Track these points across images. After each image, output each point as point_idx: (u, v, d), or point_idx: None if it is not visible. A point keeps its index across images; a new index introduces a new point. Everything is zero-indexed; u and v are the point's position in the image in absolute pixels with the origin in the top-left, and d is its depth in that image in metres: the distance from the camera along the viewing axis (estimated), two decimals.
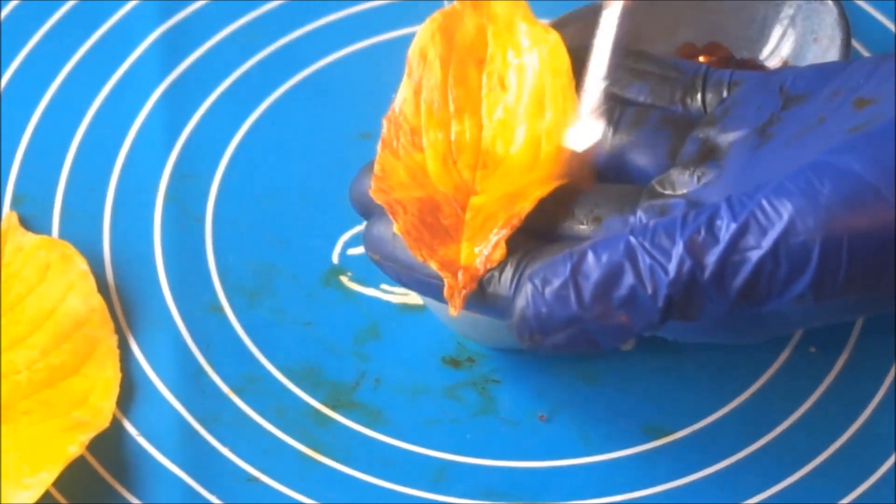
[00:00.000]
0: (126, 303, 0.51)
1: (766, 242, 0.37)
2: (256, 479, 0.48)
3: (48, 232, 0.52)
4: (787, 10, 0.53)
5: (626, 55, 0.45)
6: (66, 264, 0.51)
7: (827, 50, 0.52)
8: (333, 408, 0.49)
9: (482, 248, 0.42)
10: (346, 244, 0.53)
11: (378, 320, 0.51)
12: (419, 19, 0.57)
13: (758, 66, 0.54)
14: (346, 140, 0.55)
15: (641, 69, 0.45)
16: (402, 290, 0.52)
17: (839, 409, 0.49)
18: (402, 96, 0.45)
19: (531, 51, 0.45)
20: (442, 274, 0.42)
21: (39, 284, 0.50)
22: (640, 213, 0.42)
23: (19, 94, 0.56)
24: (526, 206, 0.42)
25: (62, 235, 0.52)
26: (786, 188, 0.38)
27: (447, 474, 0.48)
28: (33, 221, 0.53)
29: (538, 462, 0.48)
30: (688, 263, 0.38)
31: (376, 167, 0.44)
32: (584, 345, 0.40)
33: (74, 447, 0.46)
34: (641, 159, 0.44)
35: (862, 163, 0.37)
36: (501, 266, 0.41)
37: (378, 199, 0.43)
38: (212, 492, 0.48)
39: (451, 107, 0.45)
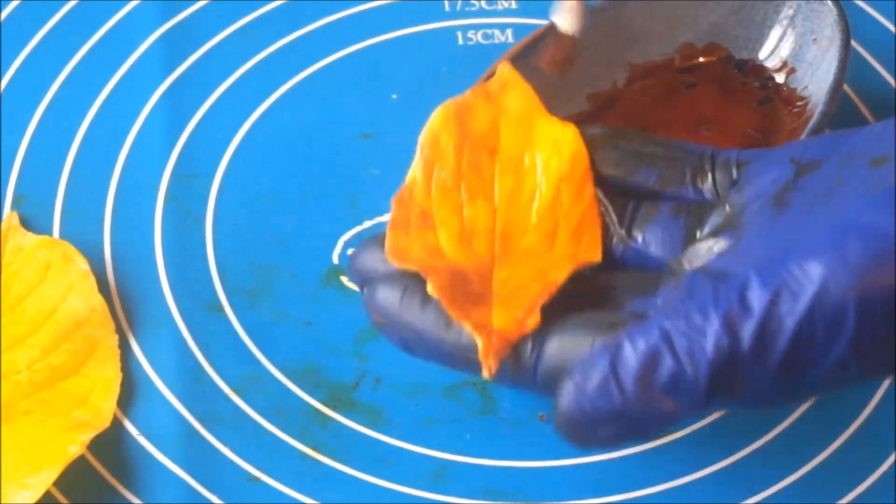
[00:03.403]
0: (126, 303, 0.51)
1: (801, 307, 0.37)
2: (257, 479, 0.48)
3: (49, 232, 0.53)
4: (787, 11, 0.53)
5: (631, 138, 0.45)
6: (67, 264, 0.51)
7: (826, 50, 0.52)
8: (333, 408, 0.49)
9: (516, 314, 0.41)
10: (346, 244, 0.53)
11: None
12: (419, 19, 0.58)
13: (757, 67, 0.54)
14: (346, 140, 0.55)
15: (647, 152, 0.45)
16: None
17: (839, 409, 0.49)
18: (413, 179, 0.45)
19: (546, 143, 0.44)
20: (476, 334, 0.41)
21: (40, 284, 0.50)
22: (665, 293, 0.41)
23: (20, 94, 0.56)
24: (561, 277, 0.42)
25: (63, 235, 0.52)
26: (814, 251, 0.37)
27: (447, 474, 0.48)
28: (34, 221, 0.53)
29: (538, 462, 0.48)
30: (725, 339, 0.38)
31: (389, 244, 0.43)
32: (634, 435, 0.39)
33: (75, 447, 0.46)
34: (659, 251, 0.43)
35: (887, 217, 0.37)
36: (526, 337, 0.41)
37: (401, 262, 0.43)
38: (212, 491, 0.48)
39: (464, 193, 0.44)
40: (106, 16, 0.58)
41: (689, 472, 0.48)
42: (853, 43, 0.52)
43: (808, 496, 0.48)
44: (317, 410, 0.49)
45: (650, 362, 0.38)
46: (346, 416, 0.49)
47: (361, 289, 0.45)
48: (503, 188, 0.44)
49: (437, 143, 0.45)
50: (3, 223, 0.52)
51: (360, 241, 0.45)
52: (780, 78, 0.54)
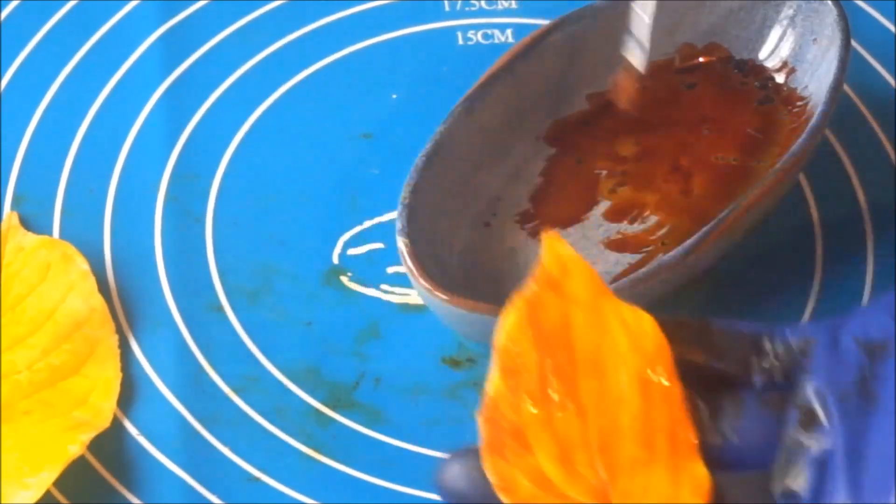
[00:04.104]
0: (126, 303, 0.51)
1: None
2: (257, 479, 0.48)
3: (49, 232, 0.53)
4: (787, 11, 0.53)
5: (693, 328, 0.43)
6: (67, 264, 0.51)
7: (826, 50, 0.52)
8: (333, 408, 0.49)
9: None
10: (346, 244, 0.53)
11: (378, 320, 0.51)
12: (419, 19, 0.58)
13: (757, 67, 0.54)
14: (346, 140, 0.55)
15: (710, 343, 0.43)
16: (402, 289, 0.52)
17: None
18: (496, 391, 0.42)
19: (622, 336, 0.42)
20: None
21: (40, 284, 0.50)
22: None
23: (20, 94, 0.56)
24: None
25: (63, 235, 0.52)
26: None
27: None
28: (34, 221, 0.53)
29: None
30: None
31: (493, 476, 0.41)
32: None
33: (75, 447, 0.46)
34: (755, 450, 0.42)
35: None
36: None
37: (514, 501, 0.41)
38: (212, 492, 0.48)
39: (553, 403, 0.42)
40: (106, 16, 0.58)
41: None
42: (853, 43, 0.52)
43: None
44: (317, 410, 0.49)
45: None
46: (346, 416, 0.49)
47: None
48: (587, 391, 0.42)
49: (515, 351, 0.42)
50: (3, 223, 0.52)
51: (450, 456, 0.42)
52: (780, 78, 0.54)
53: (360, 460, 0.48)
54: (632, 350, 0.42)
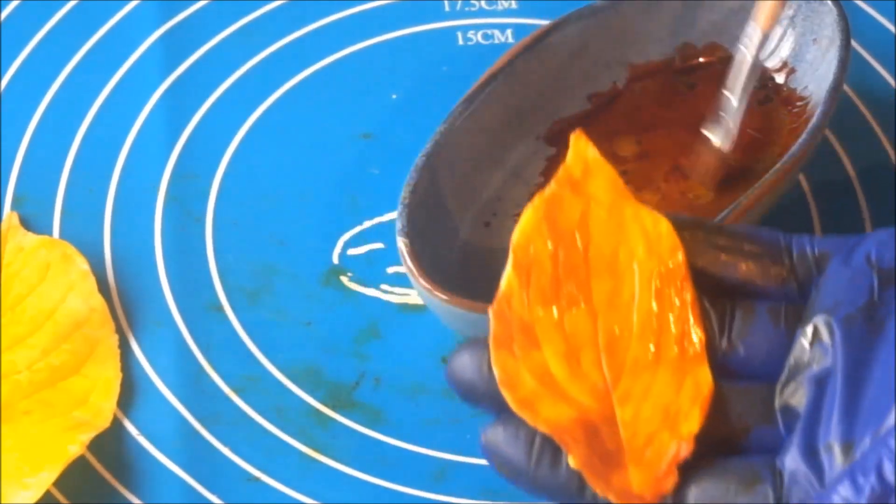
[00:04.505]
0: (126, 303, 0.51)
1: None
2: (257, 479, 0.48)
3: (49, 232, 0.53)
4: (787, 11, 0.53)
5: (709, 230, 0.43)
6: (67, 264, 0.51)
7: (826, 51, 0.52)
8: (333, 408, 0.49)
9: (654, 473, 0.40)
10: (346, 244, 0.53)
11: (378, 320, 0.51)
12: (419, 19, 0.58)
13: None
14: (346, 140, 0.55)
15: (727, 246, 0.43)
16: (402, 290, 0.52)
17: None
18: (509, 287, 0.42)
19: (639, 239, 0.43)
20: None
21: (40, 284, 0.50)
22: (789, 446, 0.40)
23: (20, 94, 0.56)
24: (693, 429, 0.41)
25: (63, 235, 0.52)
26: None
27: (447, 474, 0.48)
28: (34, 221, 0.53)
29: None
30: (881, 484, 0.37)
31: (498, 369, 0.41)
32: None
33: (75, 447, 0.46)
34: (764, 363, 0.42)
35: None
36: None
37: (527, 417, 0.41)
38: (212, 491, 0.48)
39: (563, 299, 0.42)
40: (106, 16, 0.58)
41: None
42: (853, 43, 0.52)
43: None
44: (317, 410, 0.49)
45: None
46: (346, 416, 0.49)
47: (464, 400, 0.42)
48: (600, 291, 0.42)
49: (530, 248, 0.43)
50: (3, 223, 0.52)
51: (458, 346, 0.42)
52: (780, 78, 0.54)
53: (360, 460, 0.48)
54: (647, 253, 0.42)
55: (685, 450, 0.40)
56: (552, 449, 0.41)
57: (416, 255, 0.48)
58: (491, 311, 0.42)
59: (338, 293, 0.52)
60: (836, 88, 0.50)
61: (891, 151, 0.55)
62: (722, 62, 0.54)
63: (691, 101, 0.54)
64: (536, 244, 0.43)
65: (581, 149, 0.44)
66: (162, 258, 0.52)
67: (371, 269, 0.52)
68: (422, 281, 0.47)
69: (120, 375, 0.49)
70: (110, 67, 0.56)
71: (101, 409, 0.48)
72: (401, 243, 0.48)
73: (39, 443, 0.47)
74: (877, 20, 0.58)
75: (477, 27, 0.58)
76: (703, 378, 0.41)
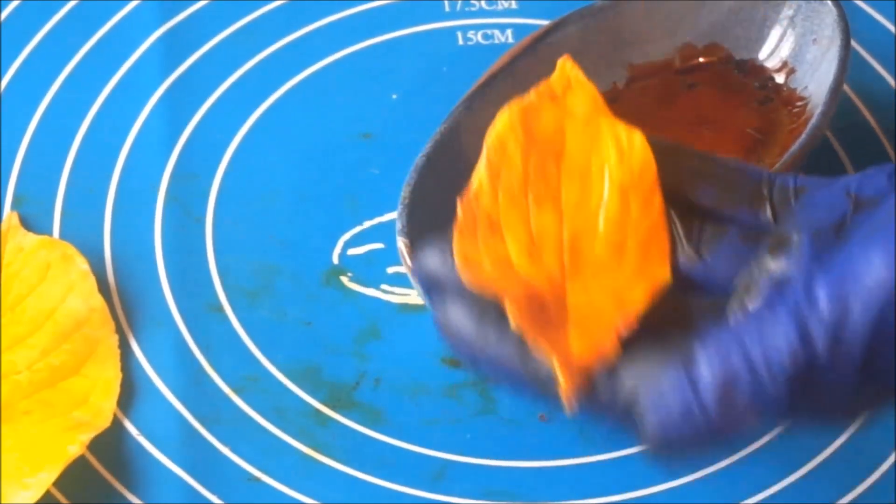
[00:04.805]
0: (126, 303, 0.51)
1: (872, 310, 0.37)
2: (257, 479, 0.48)
3: (49, 232, 0.53)
4: (787, 11, 0.53)
5: (692, 156, 0.44)
6: (67, 264, 0.51)
7: (826, 51, 0.52)
8: (333, 408, 0.49)
9: (594, 340, 0.41)
10: (346, 244, 0.53)
11: (378, 320, 0.51)
12: (419, 19, 0.58)
13: (757, 67, 0.54)
14: (346, 140, 0.55)
15: (705, 170, 0.44)
16: (402, 290, 0.52)
17: None
18: (479, 183, 0.44)
19: (612, 149, 0.44)
20: (557, 371, 0.41)
21: (40, 284, 0.50)
22: (735, 316, 0.41)
23: (20, 94, 0.56)
24: (638, 303, 0.42)
25: (63, 236, 0.52)
26: (875, 237, 0.38)
27: (447, 474, 0.48)
28: (34, 222, 0.53)
29: (538, 462, 0.48)
30: (800, 341, 0.38)
31: (458, 253, 0.43)
32: (718, 447, 0.39)
33: (75, 447, 0.46)
34: (727, 275, 0.43)
35: None
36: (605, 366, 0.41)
37: (473, 277, 0.42)
38: (212, 491, 0.48)
39: (531, 200, 0.44)
40: (106, 16, 0.58)
41: (688, 472, 0.48)
42: (853, 43, 0.52)
43: (808, 496, 0.48)
44: (317, 410, 0.49)
45: (729, 382, 0.38)
46: (346, 416, 0.49)
47: (427, 292, 0.44)
48: (569, 195, 0.44)
49: (503, 148, 0.44)
50: (3, 223, 0.52)
51: (425, 241, 0.44)
52: (780, 78, 0.54)
53: (360, 460, 0.48)
54: (619, 163, 0.43)
55: (627, 324, 0.41)
56: (500, 319, 0.42)
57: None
58: (459, 203, 0.43)
59: (338, 293, 0.52)
60: (836, 88, 0.50)
61: (891, 151, 0.55)
62: (722, 62, 0.54)
63: (691, 101, 0.54)
64: (510, 145, 0.44)
65: (567, 69, 0.45)
66: (162, 258, 0.52)
67: (371, 269, 0.52)
68: None
69: (120, 375, 0.49)
70: (110, 67, 0.56)
71: (101, 409, 0.48)
72: (401, 243, 0.48)
73: (39, 443, 0.47)
74: (877, 20, 0.58)
75: (477, 27, 0.58)
76: (661, 274, 0.42)
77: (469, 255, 0.43)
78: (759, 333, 0.38)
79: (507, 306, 0.41)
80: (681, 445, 0.39)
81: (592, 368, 0.41)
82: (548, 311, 0.42)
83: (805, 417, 0.39)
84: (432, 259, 0.43)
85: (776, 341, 0.38)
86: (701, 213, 0.43)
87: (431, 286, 0.43)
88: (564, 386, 0.41)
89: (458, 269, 0.42)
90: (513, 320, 0.41)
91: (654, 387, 0.40)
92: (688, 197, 0.43)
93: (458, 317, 0.42)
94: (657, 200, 0.43)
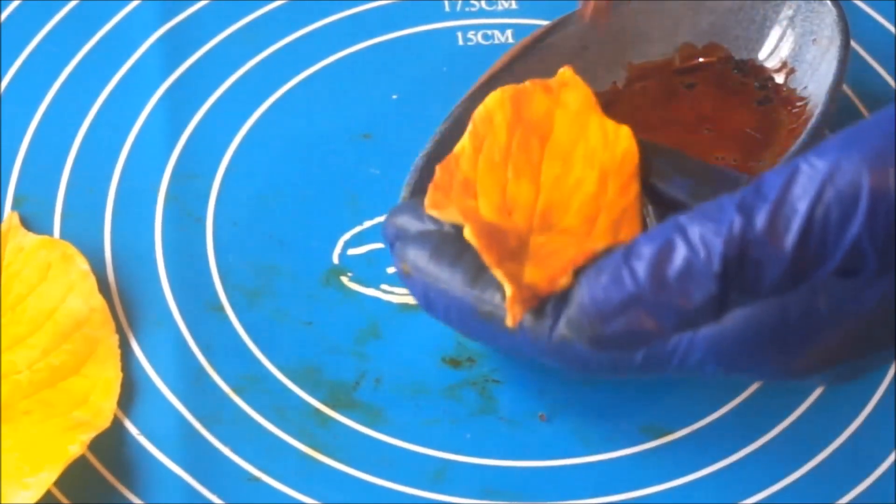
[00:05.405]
0: (127, 303, 0.51)
1: (813, 187, 0.37)
2: (257, 479, 0.48)
3: (49, 232, 0.53)
4: (787, 11, 0.54)
5: (671, 152, 0.45)
6: (67, 264, 0.51)
7: (826, 51, 0.52)
8: (333, 408, 0.49)
9: (549, 272, 0.42)
10: (346, 244, 0.53)
11: (378, 320, 0.51)
12: (419, 19, 0.58)
13: (757, 67, 0.54)
14: (346, 140, 0.55)
15: (684, 167, 0.45)
16: (403, 290, 0.52)
17: (838, 409, 0.49)
18: (462, 149, 0.45)
19: (598, 138, 0.45)
20: (506, 282, 0.41)
21: (40, 284, 0.50)
22: None
23: (20, 94, 0.56)
24: (598, 246, 0.42)
25: (63, 236, 0.52)
26: (828, 144, 0.38)
27: (447, 474, 0.48)
28: (34, 222, 0.53)
29: (538, 462, 0.48)
30: (739, 222, 0.38)
31: (428, 199, 0.44)
32: (646, 328, 0.39)
33: (75, 447, 0.47)
34: None
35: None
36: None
37: (440, 212, 0.43)
38: (212, 491, 0.48)
39: (510, 171, 0.45)
40: (106, 16, 0.58)
41: (689, 472, 0.48)
42: (853, 43, 0.52)
43: (809, 496, 0.48)
44: (317, 410, 0.49)
45: (663, 251, 0.39)
46: (346, 416, 0.49)
47: (392, 245, 0.45)
48: (549, 172, 0.44)
49: (490, 120, 0.45)
50: (3, 223, 0.52)
51: (398, 204, 0.46)
52: (779, 78, 0.54)
53: (360, 460, 0.48)
54: (603, 148, 0.45)
55: (583, 257, 0.41)
56: (456, 254, 0.43)
57: None
58: (438, 166, 0.44)
59: (338, 293, 0.52)
60: (835, 88, 0.50)
61: None
62: (722, 62, 0.54)
63: (691, 101, 0.54)
64: (497, 118, 0.45)
65: (565, 72, 0.47)
66: (162, 258, 0.52)
67: (371, 269, 0.52)
68: None
69: (120, 375, 0.49)
70: (110, 67, 0.56)
71: (102, 409, 0.48)
72: None
73: (39, 443, 0.47)
74: (877, 20, 0.58)
75: (477, 27, 0.58)
76: (625, 239, 0.43)
77: (440, 205, 0.44)
78: (699, 215, 0.39)
79: (467, 230, 0.42)
80: (608, 313, 0.40)
81: (542, 291, 0.41)
82: (508, 242, 0.42)
83: (741, 322, 0.39)
84: (402, 216, 0.44)
85: (713, 215, 0.38)
86: (675, 206, 0.44)
87: (397, 237, 0.44)
88: (510, 294, 0.41)
89: (426, 207, 0.43)
90: (469, 237, 0.42)
91: (593, 269, 0.40)
92: (665, 190, 0.44)
93: (416, 248, 0.43)
94: (634, 188, 0.44)
